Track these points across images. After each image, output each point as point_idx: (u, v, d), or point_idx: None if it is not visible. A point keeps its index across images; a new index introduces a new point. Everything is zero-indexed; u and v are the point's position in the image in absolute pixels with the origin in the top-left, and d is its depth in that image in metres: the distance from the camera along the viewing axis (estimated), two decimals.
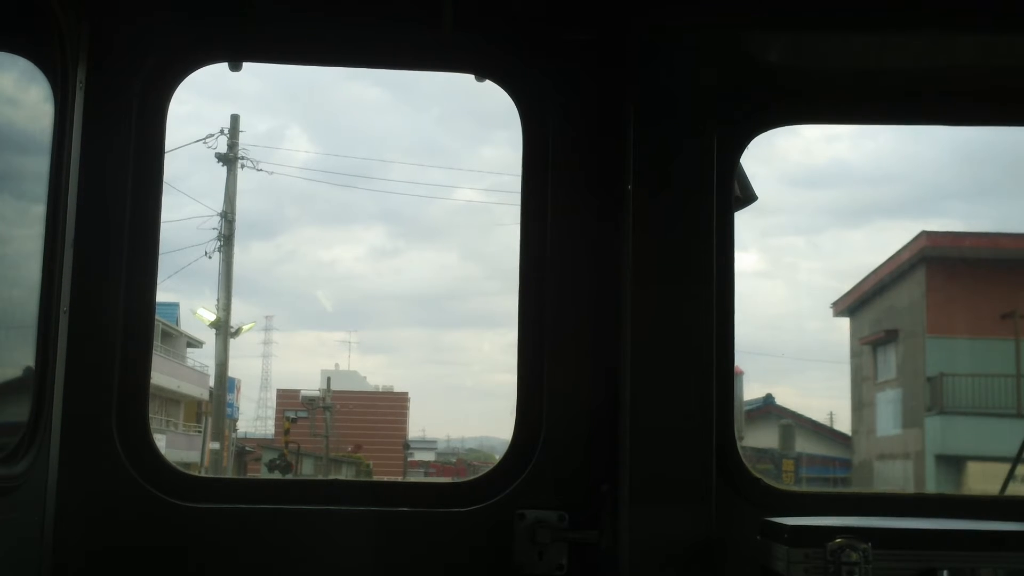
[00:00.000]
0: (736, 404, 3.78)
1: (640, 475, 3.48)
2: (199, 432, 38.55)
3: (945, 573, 3.06)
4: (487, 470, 3.80)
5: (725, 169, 3.75)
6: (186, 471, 3.82)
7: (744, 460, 3.70)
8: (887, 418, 26.74)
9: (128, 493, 3.56)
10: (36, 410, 3.36)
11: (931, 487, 24.75)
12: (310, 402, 39.77)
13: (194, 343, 41.24)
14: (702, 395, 3.52)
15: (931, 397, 25.00)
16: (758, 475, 3.72)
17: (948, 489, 23.48)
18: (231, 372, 34.41)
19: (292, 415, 37.89)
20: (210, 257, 31.92)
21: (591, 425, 3.66)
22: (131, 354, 3.64)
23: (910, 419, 25.64)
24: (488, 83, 3.85)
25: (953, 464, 24.09)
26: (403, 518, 3.63)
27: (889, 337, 26.56)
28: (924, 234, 25.23)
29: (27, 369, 3.41)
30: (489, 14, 3.81)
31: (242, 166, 32.53)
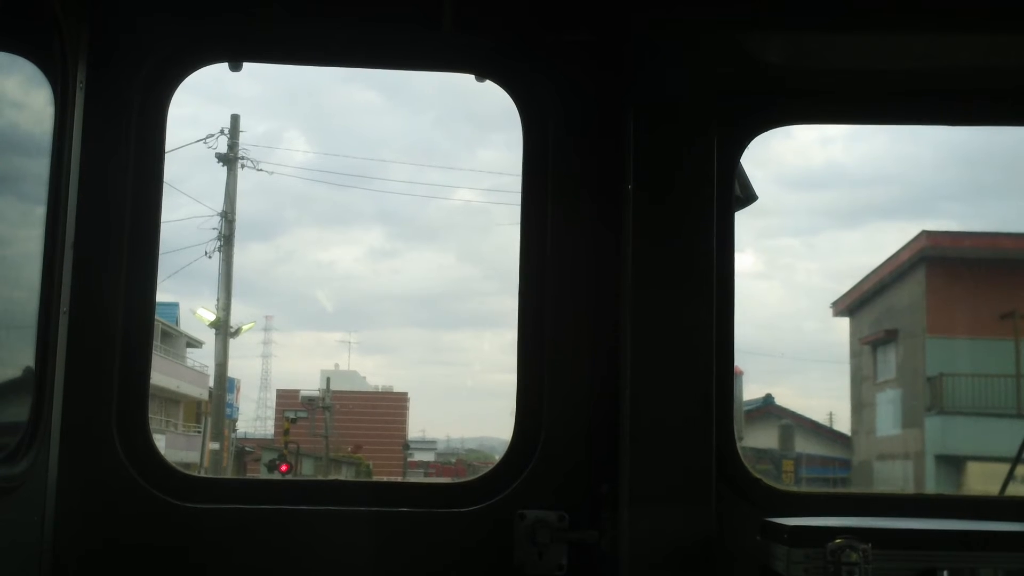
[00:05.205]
0: (736, 404, 3.79)
1: (640, 475, 3.48)
2: (199, 432, 38.55)
3: (945, 573, 3.06)
4: (487, 470, 3.80)
5: (725, 169, 3.75)
6: (186, 471, 3.82)
7: (744, 460, 3.70)
8: (887, 418, 26.74)
9: (128, 493, 3.56)
10: (36, 410, 3.36)
11: (931, 487, 24.75)
12: (310, 402, 39.80)
13: (194, 343, 41.27)
14: (702, 395, 3.52)
15: (931, 397, 25.00)
16: (758, 475, 3.72)
17: (948, 489, 23.48)
18: (231, 372, 34.45)
19: (292, 415, 37.91)
20: (210, 257, 31.96)
21: (591, 425, 3.66)
22: (131, 354, 3.64)
23: (910, 419, 25.64)
24: (488, 84, 3.86)
25: (953, 464, 24.08)
26: (403, 518, 3.63)
27: (889, 337, 26.56)
28: (924, 234, 25.23)
29: (27, 369, 3.41)
30: (489, 14, 3.81)
31: (242, 166, 32.57)
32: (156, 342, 4.07)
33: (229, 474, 30.14)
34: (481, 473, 3.81)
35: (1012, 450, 4.14)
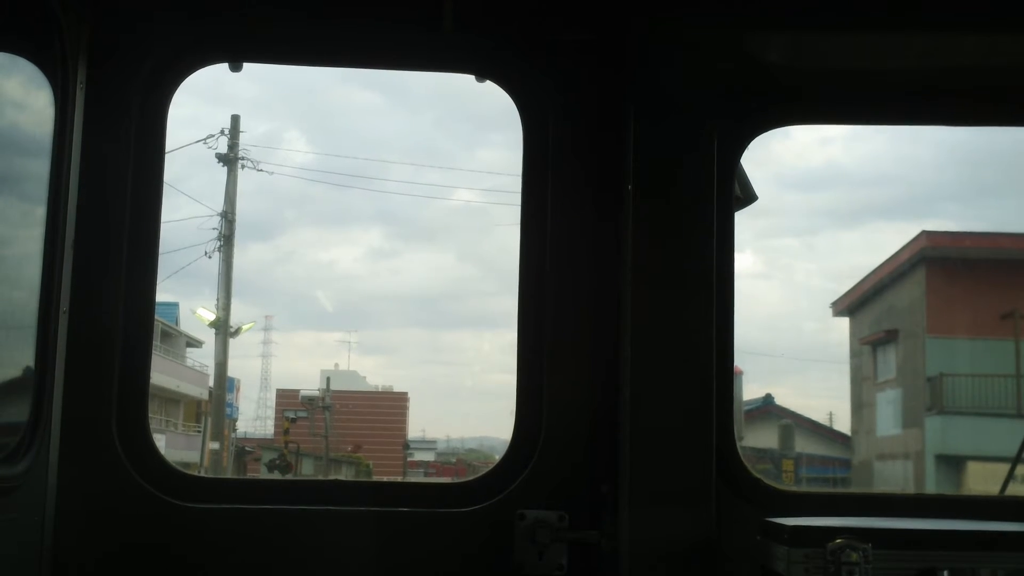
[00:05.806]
0: (736, 404, 3.79)
1: (640, 475, 3.48)
2: (199, 432, 38.52)
3: (945, 573, 3.07)
4: (487, 470, 3.80)
5: (725, 169, 3.75)
6: (186, 471, 3.82)
7: (744, 460, 3.70)
8: (887, 418, 26.74)
9: (128, 493, 3.57)
10: (36, 410, 3.36)
11: (931, 487, 24.75)
12: (310, 402, 39.73)
13: (194, 343, 41.22)
14: (702, 395, 3.52)
15: (931, 397, 25.00)
16: (758, 475, 3.72)
17: (948, 489, 23.48)
18: (231, 372, 34.42)
19: (292, 415, 37.84)
20: (210, 257, 31.94)
21: (591, 425, 3.66)
22: (131, 354, 3.64)
23: (910, 419, 25.64)
24: (488, 83, 3.86)
25: (953, 464, 24.08)
26: (403, 518, 3.63)
27: (889, 337, 26.56)
28: (924, 234, 25.23)
29: (27, 369, 3.41)
30: (489, 14, 3.82)
31: (242, 166, 32.55)
32: (156, 342, 4.07)
33: (229, 474, 30.15)
34: (481, 473, 3.81)
35: (1012, 450, 4.14)
